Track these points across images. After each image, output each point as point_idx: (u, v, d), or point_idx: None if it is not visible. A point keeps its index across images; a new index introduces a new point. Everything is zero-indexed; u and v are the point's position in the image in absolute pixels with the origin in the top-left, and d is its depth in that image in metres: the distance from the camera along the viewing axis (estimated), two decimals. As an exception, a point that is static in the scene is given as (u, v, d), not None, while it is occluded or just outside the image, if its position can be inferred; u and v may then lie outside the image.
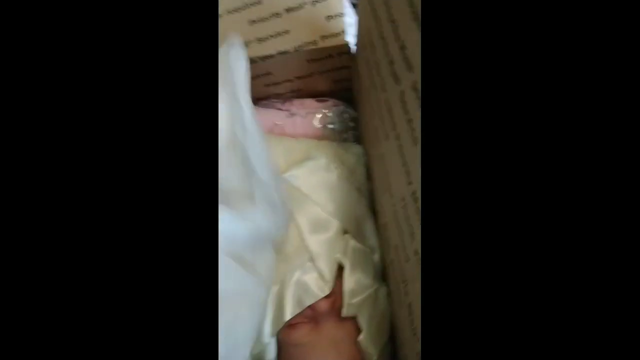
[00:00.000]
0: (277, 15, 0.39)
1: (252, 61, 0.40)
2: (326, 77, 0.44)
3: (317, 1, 0.39)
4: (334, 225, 0.35)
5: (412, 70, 0.20)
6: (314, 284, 0.32)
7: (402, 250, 0.26)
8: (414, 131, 0.21)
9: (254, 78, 0.43)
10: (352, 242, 0.34)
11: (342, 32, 0.38)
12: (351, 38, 0.39)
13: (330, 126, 0.43)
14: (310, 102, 0.45)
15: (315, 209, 0.35)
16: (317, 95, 0.46)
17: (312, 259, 0.34)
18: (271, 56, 0.39)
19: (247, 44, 0.39)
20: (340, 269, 0.33)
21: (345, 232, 0.35)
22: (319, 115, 0.44)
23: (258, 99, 0.46)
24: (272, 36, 0.39)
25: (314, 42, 0.39)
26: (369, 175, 0.39)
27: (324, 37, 0.39)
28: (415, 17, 0.19)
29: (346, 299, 0.32)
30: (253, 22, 0.39)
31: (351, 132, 0.44)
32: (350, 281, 0.32)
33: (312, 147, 0.40)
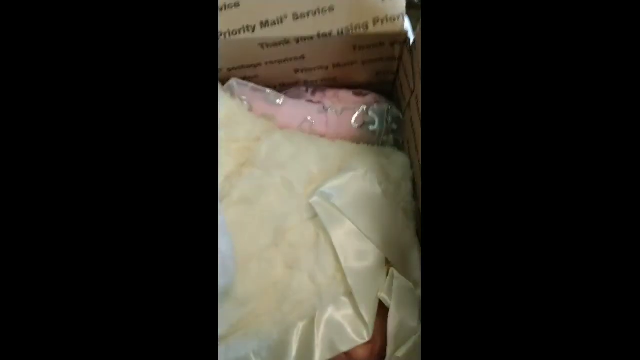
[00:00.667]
0: (320, -14, 0.32)
1: (285, 42, 0.33)
2: (369, 67, 0.37)
3: (372, -27, 0.31)
4: (376, 254, 0.29)
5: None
6: (350, 326, 0.27)
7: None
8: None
9: (283, 61, 0.36)
10: (397, 278, 0.29)
11: (401, 16, 0.31)
12: (409, 24, 0.32)
13: (371, 127, 0.37)
14: (346, 95, 0.38)
15: (354, 233, 0.30)
16: (353, 86, 0.39)
17: (347, 293, 0.28)
18: (309, 38, 0.32)
19: (280, 19, 0.32)
20: (380, 305, 0.28)
21: (387, 262, 0.30)
22: (357, 113, 0.37)
23: (284, 85, 0.39)
24: (312, 12, 0.32)
25: (365, 26, 0.31)
26: (417, 192, 0.34)
27: (376, 21, 0.31)
28: None
29: (390, 348, 0.27)
30: (289, -8, 0.32)
31: (392, 136, 0.37)
32: (393, 324, 0.27)
33: (350, 153, 0.34)
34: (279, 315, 0.27)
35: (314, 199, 0.30)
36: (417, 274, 0.30)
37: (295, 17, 0.32)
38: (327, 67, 0.37)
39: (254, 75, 0.37)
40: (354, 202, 0.31)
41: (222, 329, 0.27)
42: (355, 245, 0.30)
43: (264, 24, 0.32)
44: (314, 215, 0.31)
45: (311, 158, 0.32)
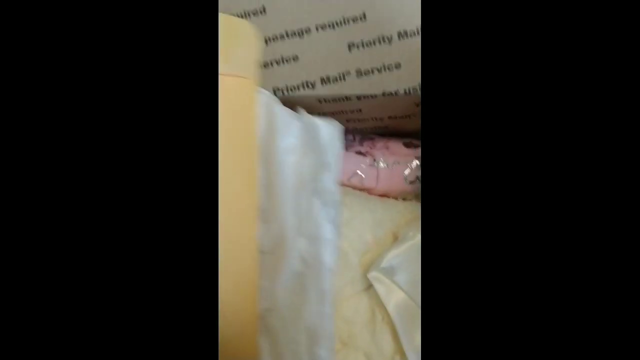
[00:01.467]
0: (386, 39, 0.29)
1: (345, 98, 0.30)
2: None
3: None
4: None
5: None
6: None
7: None
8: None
9: (338, 113, 0.33)
10: None
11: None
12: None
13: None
14: (397, 147, 0.36)
15: (413, 308, 0.28)
16: (404, 134, 0.37)
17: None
18: (373, 96, 0.30)
19: (343, 75, 0.30)
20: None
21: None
22: (409, 167, 0.35)
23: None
24: (377, 69, 0.29)
25: (433, 87, 0.29)
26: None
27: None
28: None
29: None
30: (353, 45, 0.29)
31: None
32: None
33: (404, 217, 0.32)
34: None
35: (372, 274, 0.28)
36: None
37: (359, 73, 0.29)
38: (382, 119, 0.35)
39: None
40: (414, 275, 0.29)
41: None
42: (416, 321, 0.28)
43: (325, 81, 0.29)
44: (369, 287, 0.29)
45: (365, 224, 0.30)
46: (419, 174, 0.35)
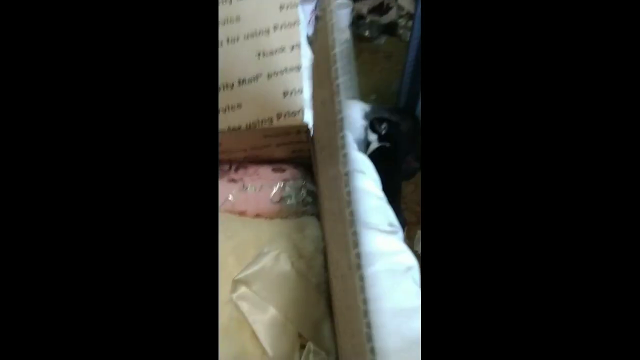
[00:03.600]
0: (229, 86, 0.35)
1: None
2: (284, 147, 0.40)
3: (273, 74, 0.35)
4: (292, 331, 0.32)
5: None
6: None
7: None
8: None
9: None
10: (314, 352, 0.31)
11: (300, 111, 0.35)
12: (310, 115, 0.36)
13: (288, 201, 0.40)
14: (266, 172, 0.42)
15: (272, 314, 0.32)
16: (275, 161, 0.43)
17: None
18: (221, 131, 0.35)
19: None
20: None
21: (300, 335, 0.33)
22: (275, 189, 0.40)
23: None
24: (223, 110, 0.35)
25: (269, 120, 0.35)
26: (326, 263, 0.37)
27: (280, 115, 0.35)
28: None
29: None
30: (201, 92, 0.35)
31: (309, 207, 0.41)
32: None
33: (265, 236, 0.37)
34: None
35: (235, 288, 0.32)
36: (329, 343, 0.33)
37: (207, 114, 0.35)
38: (245, 150, 0.40)
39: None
40: (270, 285, 0.33)
41: None
42: (272, 326, 0.32)
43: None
44: (229, 300, 0.33)
45: (227, 247, 0.35)
46: (284, 194, 0.40)
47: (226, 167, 0.42)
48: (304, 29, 0.54)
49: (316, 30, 0.22)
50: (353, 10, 1.58)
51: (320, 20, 0.23)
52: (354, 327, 0.19)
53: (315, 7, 1.73)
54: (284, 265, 0.34)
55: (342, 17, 1.59)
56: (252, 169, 0.42)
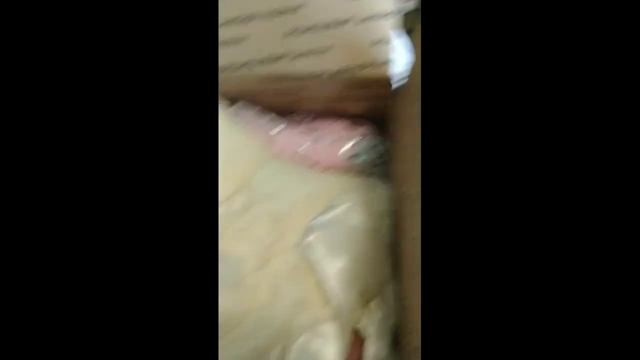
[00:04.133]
0: (314, 29, 0.34)
1: (281, 78, 0.35)
2: (362, 102, 0.38)
3: (364, 20, 0.33)
4: (357, 286, 0.31)
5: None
6: (320, 353, 0.30)
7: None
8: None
9: (281, 94, 0.38)
10: (377, 310, 0.31)
11: (386, 63, 0.33)
12: (397, 68, 0.34)
13: (359, 158, 0.39)
14: (339, 127, 0.40)
15: (339, 265, 0.32)
16: (350, 116, 0.41)
17: (322, 322, 0.31)
18: (302, 78, 0.34)
19: (277, 58, 0.34)
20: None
21: (363, 293, 0.32)
22: (347, 145, 0.39)
23: (282, 114, 0.41)
24: (305, 54, 0.34)
25: (353, 70, 0.33)
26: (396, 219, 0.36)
27: (364, 66, 0.33)
28: None
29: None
30: (286, 34, 0.34)
31: (381, 168, 0.39)
32: (371, 354, 0.30)
33: (337, 188, 0.36)
34: (259, 339, 0.30)
35: (307, 233, 0.32)
36: (390, 305, 0.32)
37: (291, 57, 0.34)
38: (321, 102, 0.39)
39: (258, 101, 0.39)
40: (341, 236, 0.33)
41: None
42: (340, 276, 0.32)
43: (262, 62, 0.34)
44: (298, 245, 0.33)
45: (299, 193, 0.35)
46: (356, 151, 0.39)
47: (300, 118, 0.42)
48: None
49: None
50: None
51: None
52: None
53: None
54: (355, 219, 0.33)
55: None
56: (326, 123, 0.41)
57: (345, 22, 0.33)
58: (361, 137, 0.39)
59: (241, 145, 0.37)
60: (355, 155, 0.39)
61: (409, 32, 0.36)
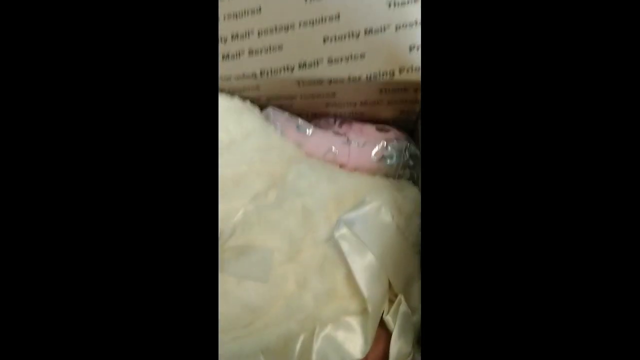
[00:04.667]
0: (354, 35, 0.36)
1: (319, 81, 0.37)
2: (394, 107, 0.40)
3: (400, 27, 0.35)
4: (385, 280, 0.32)
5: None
6: (346, 343, 0.31)
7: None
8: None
9: (316, 96, 0.40)
10: (403, 305, 0.32)
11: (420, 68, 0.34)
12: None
13: (389, 161, 0.40)
14: (370, 130, 0.42)
15: (368, 259, 0.33)
16: (379, 121, 0.43)
17: (349, 313, 0.31)
18: (341, 80, 0.36)
19: (317, 62, 0.36)
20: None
21: (390, 287, 0.33)
22: (377, 147, 0.40)
23: (316, 116, 0.43)
24: (345, 59, 0.36)
25: (391, 73, 0.35)
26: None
27: (402, 70, 0.35)
28: None
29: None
30: (327, 39, 0.36)
31: (409, 170, 0.40)
32: (395, 347, 0.30)
33: (366, 187, 0.37)
34: (285, 327, 0.31)
35: (338, 227, 0.33)
36: (417, 302, 0.33)
37: (330, 61, 0.36)
38: (355, 104, 0.40)
39: (289, 105, 0.41)
40: (370, 231, 0.34)
41: (230, 329, 0.30)
42: (369, 270, 0.32)
43: (302, 66, 0.36)
44: (327, 239, 0.34)
45: (329, 190, 0.36)
46: (386, 153, 0.40)
47: (332, 120, 0.43)
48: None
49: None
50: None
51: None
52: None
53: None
54: (385, 216, 0.34)
55: None
56: (356, 126, 0.42)
57: (382, 29, 0.35)
58: (391, 141, 0.41)
59: (275, 144, 0.39)
60: (385, 158, 0.40)
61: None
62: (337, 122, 0.43)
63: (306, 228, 0.35)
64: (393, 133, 0.42)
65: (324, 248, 0.34)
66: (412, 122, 0.43)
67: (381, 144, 0.41)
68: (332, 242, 0.33)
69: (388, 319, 0.31)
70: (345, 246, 0.33)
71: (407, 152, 0.40)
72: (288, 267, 0.33)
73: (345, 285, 0.33)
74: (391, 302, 0.33)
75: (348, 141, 0.41)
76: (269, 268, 0.33)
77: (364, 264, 0.32)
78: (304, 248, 0.34)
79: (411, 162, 0.40)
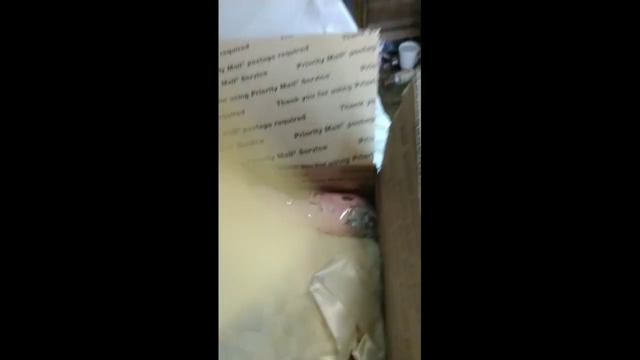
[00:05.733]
0: (317, 131, 0.47)
1: (294, 167, 0.47)
2: (354, 181, 0.51)
3: (352, 124, 0.46)
4: (353, 324, 0.41)
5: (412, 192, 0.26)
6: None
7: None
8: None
9: (293, 177, 0.50)
10: (368, 342, 0.40)
11: (371, 155, 0.46)
12: (379, 157, 0.46)
13: (354, 223, 0.50)
14: (337, 199, 0.52)
15: (338, 308, 0.41)
16: (345, 191, 0.53)
17: (326, 353, 0.40)
18: (310, 166, 0.47)
19: (291, 153, 0.47)
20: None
21: (358, 329, 0.41)
22: (343, 213, 0.50)
23: (294, 191, 0.53)
24: (312, 150, 0.47)
25: (347, 160, 0.46)
26: (382, 275, 0.46)
27: (355, 157, 0.46)
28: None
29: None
30: (297, 134, 0.47)
31: (370, 230, 0.50)
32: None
33: (336, 248, 0.47)
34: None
35: (312, 283, 0.42)
36: (380, 340, 0.41)
37: (301, 152, 0.47)
38: (324, 181, 0.51)
39: (276, 183, 0.52)
40: (338, 285, 0.43)
41: None
42: (338, 316, 0.41)
43: (280, 156, 0.47)
44: (306, 293, 0.43)
45: (307, 251, 0.45)
46: (350, 217, 0.50)
47: (307, 193, 0.54)
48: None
49: (404, 95, 0.30)
50: (418, 54, 1.68)
51: (409, 88, 0.31)
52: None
53: (382, 50, 1.85)
54: (350, 271, 0.43)
55: (407, 60, 1.71)
56: (327, 196, 0.53)
57: (338, 126, 0.46)
58: (355, 207, 0.51)
59: (262, 213, 0.49)
60: (350, 221, 0.50)
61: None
62: (312, 194, 0.53)
63: (289, 284, 0.44)
64: (356, 200, 0.52)
65: (304, 300, 0.42)
66: (370, 189, 0.53)
67: (347, 210, 0.51)
68: (309, 295, 0.42)
69: (357, 354, 0.39)
70: (318, 298, 0.41)
71: (366, 216, 0.50)
72: (276, 318, 0.42)
73: (322, 331, 0.41)
74: (358, 340, 0.41)
75: (321, 209, 0.51)
76: (261, 319, 0.42)
77: (334, 312, 0.41)
78: (288, 300, 0.43)
79: (371, 224, 0.50)
